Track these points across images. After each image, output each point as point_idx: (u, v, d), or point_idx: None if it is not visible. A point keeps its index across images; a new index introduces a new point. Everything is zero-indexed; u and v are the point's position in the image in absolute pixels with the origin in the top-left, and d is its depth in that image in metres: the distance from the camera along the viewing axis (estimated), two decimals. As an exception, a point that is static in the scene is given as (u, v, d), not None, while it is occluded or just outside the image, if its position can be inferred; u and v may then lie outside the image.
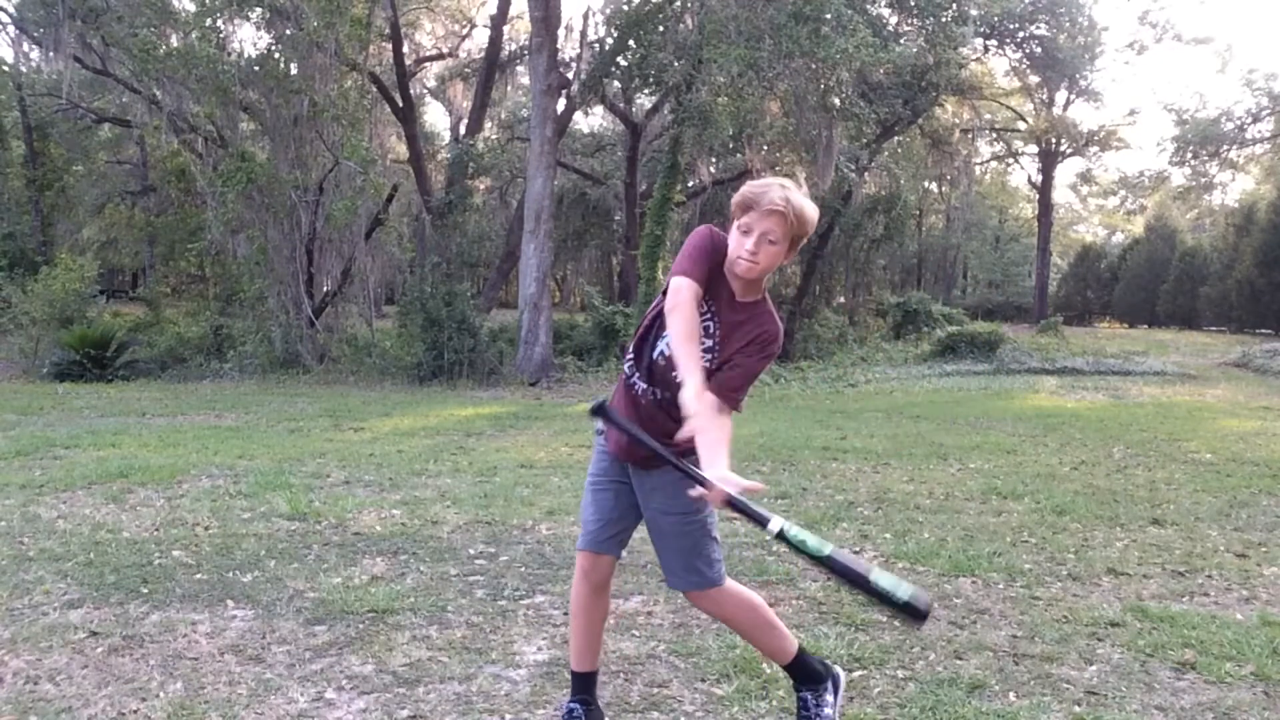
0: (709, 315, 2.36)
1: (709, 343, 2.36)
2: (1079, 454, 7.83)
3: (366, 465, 6.69)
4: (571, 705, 2.55)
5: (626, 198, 22.84)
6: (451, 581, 3.90)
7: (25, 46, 20.69)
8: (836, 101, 16.16)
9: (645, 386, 2.42)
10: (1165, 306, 33.56)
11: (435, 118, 35.33)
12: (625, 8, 18.46)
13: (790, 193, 2.28)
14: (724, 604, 2.51)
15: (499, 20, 20.82)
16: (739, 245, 2.31)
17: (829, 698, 2.53)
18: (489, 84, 21.45)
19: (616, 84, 20.37)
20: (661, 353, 2.37)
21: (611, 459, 2.52)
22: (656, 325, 2.39)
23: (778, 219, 2.27)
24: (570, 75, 19.75)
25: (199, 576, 3.88)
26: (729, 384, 2.34)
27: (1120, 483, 6.44)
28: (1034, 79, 33.48)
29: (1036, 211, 39.72)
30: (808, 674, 2.55)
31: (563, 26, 18.18)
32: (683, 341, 2.20)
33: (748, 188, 2.33)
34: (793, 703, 2.68)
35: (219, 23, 15.64)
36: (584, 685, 2.57)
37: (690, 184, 22.09)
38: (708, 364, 2.33)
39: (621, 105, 22.88)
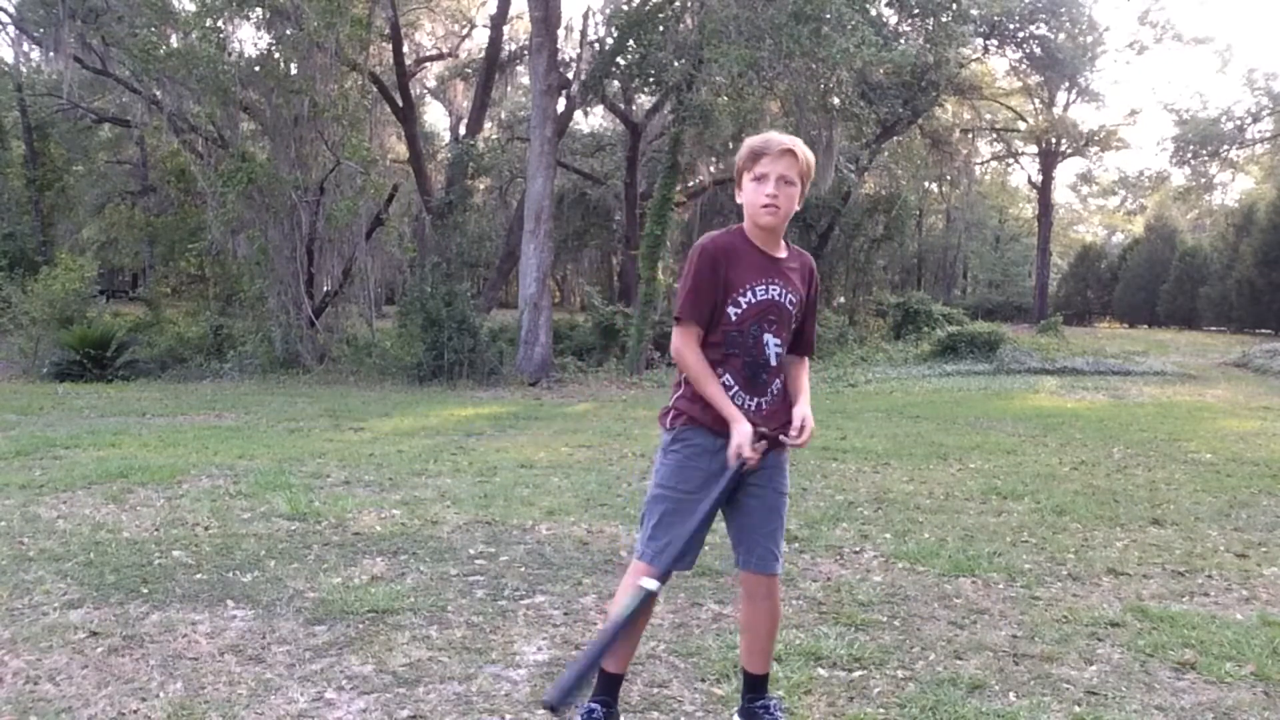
0: (779, 285, 2.40)
1: (793, 310, 2.44)
2: (1079, 454, 7.83)
3: (366, 465, 6.69)
4: (592, 705, 2.50)
5: (626, 198, 22.84)
6: (451, 581, 3.90)
7: (25, 46, 20.71)
8: (836, 101, 16.15)
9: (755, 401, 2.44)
10: (1165, 306, 33.54)
11: (435, 118, 35.35)
12: (625, 8, 18.45)
13: (793, 136, 2.39)
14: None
15: (499, 20, 20.81)
16: (757, 193, 2.34)
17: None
18: (489, 84, 21.44)
19: (616, 84, 20.36)
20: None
21: None
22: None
23: (790, 158, 2.34)
24: (570, 75, 19.74)
25: (199, 576, 3.88)
26: (810, 336, 2.56)
27: (1120, 483, 6.43)
28: (1034, 79, 33.48)
29: (1036, 211, 39.74)
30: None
31: (563, 26, 18.15)
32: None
33: (751, 141, 2.39)
34: (791, 703, 2.69)
35: (219, 23, 15.62)
36: (612, 686, 2.53)
37: (690, 184, 22.09)
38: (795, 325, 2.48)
39: (621, 105, 22.88)
